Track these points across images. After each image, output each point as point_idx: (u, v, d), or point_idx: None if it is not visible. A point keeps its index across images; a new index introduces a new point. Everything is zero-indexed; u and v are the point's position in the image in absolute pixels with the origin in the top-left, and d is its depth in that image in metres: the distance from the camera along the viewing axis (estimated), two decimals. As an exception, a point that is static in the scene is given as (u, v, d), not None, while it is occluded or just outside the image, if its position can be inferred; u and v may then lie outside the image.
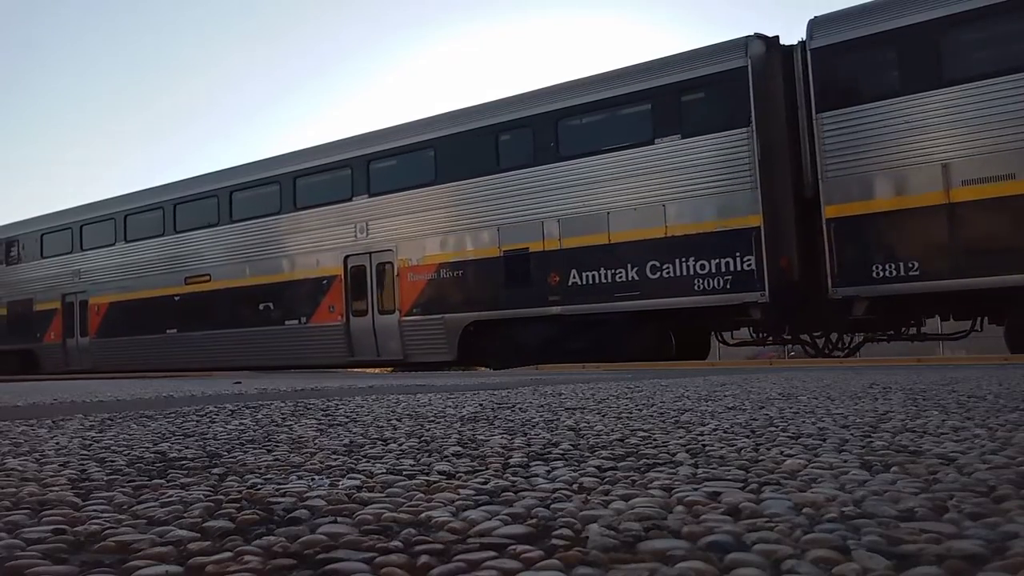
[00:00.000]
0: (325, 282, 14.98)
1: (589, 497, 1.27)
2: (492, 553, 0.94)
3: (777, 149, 10.86)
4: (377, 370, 14.62)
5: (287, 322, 15.52)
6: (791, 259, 10.80)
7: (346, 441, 2.21)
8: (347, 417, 3.04)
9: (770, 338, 12.02)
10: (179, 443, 2.27)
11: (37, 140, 67.59)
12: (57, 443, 2.33)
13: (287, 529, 1.10)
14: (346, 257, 14.74)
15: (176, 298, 17.45)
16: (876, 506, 1.13)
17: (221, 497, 1.36)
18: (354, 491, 1.39)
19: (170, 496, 1.38)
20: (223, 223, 16.77)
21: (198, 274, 17.09)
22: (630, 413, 2.87)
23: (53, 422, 3.09)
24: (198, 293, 17.10)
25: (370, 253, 14.50)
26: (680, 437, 2.08)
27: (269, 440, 2.30)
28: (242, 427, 2.73)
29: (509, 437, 2.19)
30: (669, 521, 1.08)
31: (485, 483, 1.44)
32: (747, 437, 2.03)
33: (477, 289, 13.16)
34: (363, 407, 3.56)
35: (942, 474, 1.39)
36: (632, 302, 11.65)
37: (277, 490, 1.41)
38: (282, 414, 3.25)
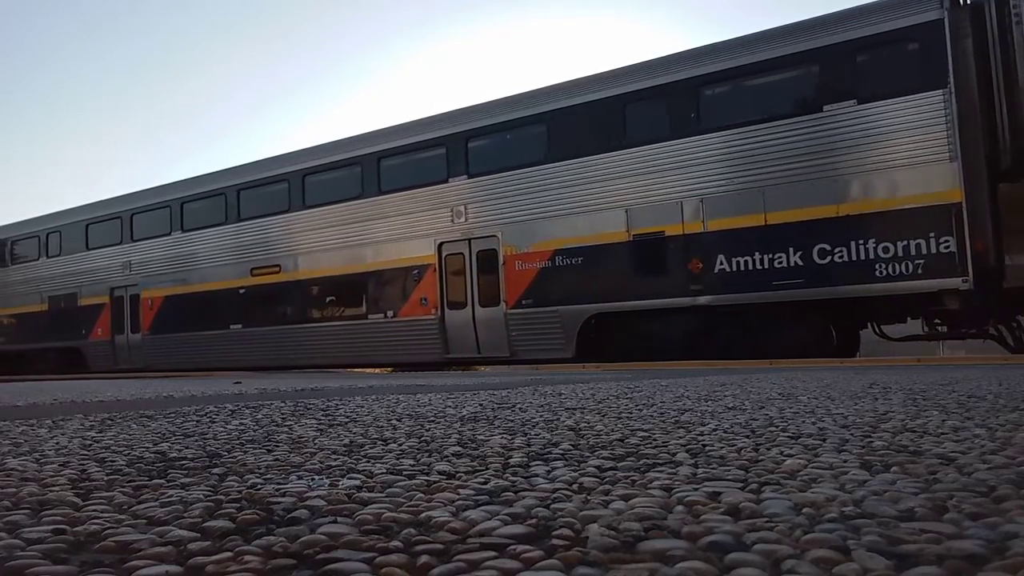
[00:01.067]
0: (416, 272, 13.65)
1: (589, 497, 1.27)
2: (492, 553, 0.94)
3: (970, 115, 9.64)
4: (377, 370, 14.35)
5: (371, 316, 14.19)
6: (987, 241, 9.52)
7: (346, 441, 2.21)
8: (347, 417, 3.04)
9: (970, 331, 10.56)
10: (179, 443, 2.27)
11: (36, 140, 67.61)
12: (57, 443, 2.33)
13: (287, 529, 1.10)
14: (440, 244, 13.41)
15: (241, 291, 16.10)
16: (876, 506, 1.13)
17: (221, 497, 1.36)
18: (354, 491, 1.39)
19: (170, 496, 1.38)
20: (295, 209, 15.37)
21: (266, 265, 15.72)
22: (630, 413, 2.87)
23: (53, 422, 3.09)
24: (266, 285, 15.73)
25: (469, 239, 13.15)
26: (680, 437, 2.08)
27: (269, 440, 2.30)
28: (242, 427, 2.73)
29: (509, 437, 2.19)
30: (669, 521, 1.08)
31: (485, 483, 1.44)
32: (747, 437, 2.03)
33: (600, 278, 11.82)
34: (363, 407, 3.56)
35: (942, 474, 1.39)
36: (795, 291, 10.32)
37: (277, 490, 1.41)
38: (282, 414, 3.25)
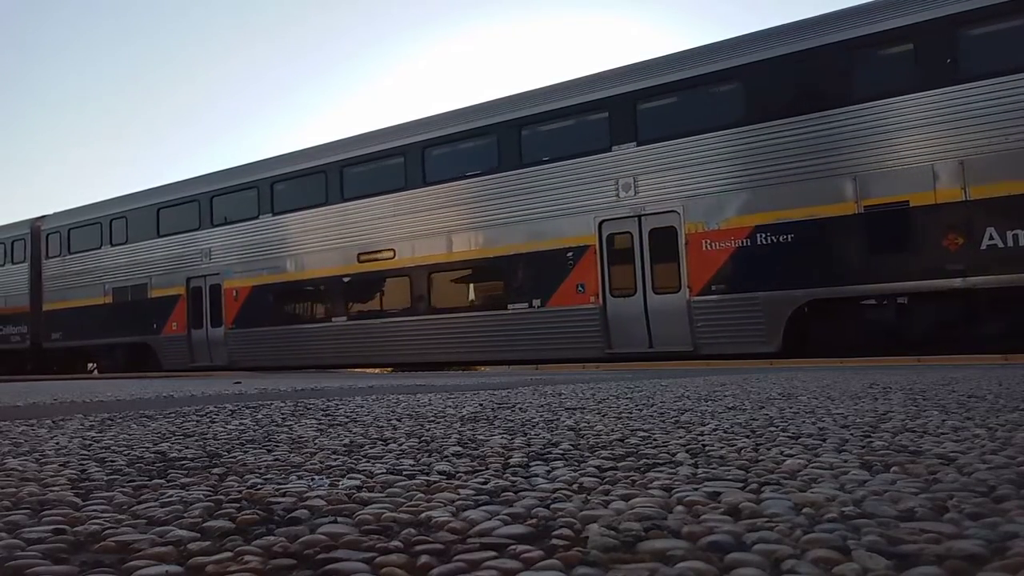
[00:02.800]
0: (570, 255, 11.76)
1: (589, 497, 1.27)
2: (492, 553, 0.94)
3: None
4: (378, 370, 13.92)
5: (511, 306, 12.33)
6: None
7: (346, 441, 2.21)
8: (347, 417, 3.04)
9: None
10: (179, 443, 2.27)
11: (37, 140, 67.60)
12: (57, 443, 2.33)
13: (287, 529, 1.10)
14: (601, 222, 11.52)
15: (345, 279, 14.19)
16: (876, 506, 1.13)
17: (221, 497, 1.36)
18: (354, 491, 1.39)
19: (170, 496, 1.38)
20: (413, 187, 13.47)
21: (377, 249, 13.77)
22: (630, 413, 2.87)
23: (53, 422, 3.09)
24: (377, 273, 13.85)
25: (639, 216, 11.26)
26: (680, 437, 2.08)
27: (269, 440, 2.30)
28: (242, 427, 2.73)
29: (509, 437, 2.19)
30: (669, 521, 1.08)
31: (485, 483, 1.44)
32: (747, 437, 2.03)
33: (817, 258, 9.97)
34: (363, 407, 3.56)
35: (942, 474, 1.39)
36: None
37: (277, 490, 1.41)
38: (282, 414, 3.25)
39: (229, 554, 0.97)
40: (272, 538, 1.04)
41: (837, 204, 9.89)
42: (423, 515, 1.16)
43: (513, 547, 0.97)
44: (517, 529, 1.06)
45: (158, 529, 1.11)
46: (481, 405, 3.49)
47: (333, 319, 14.41)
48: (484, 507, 1.21)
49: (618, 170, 11.51)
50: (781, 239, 10.23)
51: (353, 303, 14.30)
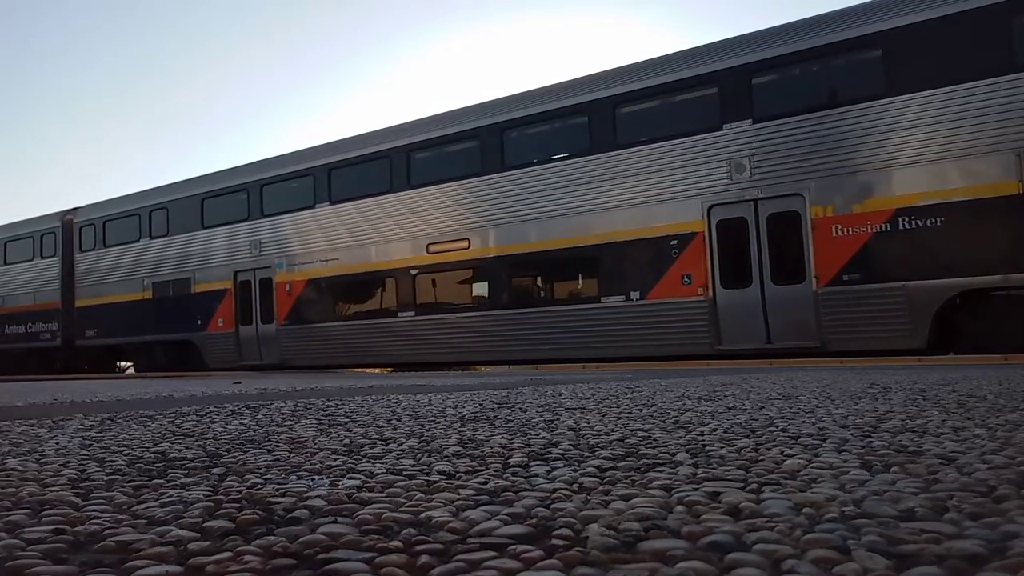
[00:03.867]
0: (674, 243, 10.84)
1: (589, 497, 1.27)
2: (492, 553, 0.94)
3: None
4: (378, 370, 13.72)
5: (606, 299, 11.41)
6: None
7: (346, 441, 2.21)
8: (347, 417, 3.04)
9: None
10: (179, 443, 2.27)
11: (36, 140, 67.63)
12: (57, 443, 2.33)
13: (287, 529, 1.10)
14: (710, 208, 10.60)
15: (413, 271, 13.24)
16: (876, 506, 1.13)
17: (221, 497, 1.36)
18: (354, 491, 1.39)
19: (170, 496, 1.38)
20: (491, 171, 12.53)
21: (449, 239, 12.84)
22: (630, 413, 2.87)
23: (53, 422, 3.09)
24: (449, 264, 12.92)
25: (755, 201, 10.33)
26: (680, 437, 2.08)
27: (269, 440, 2.30)
28: (242, 427, 2.73)
29: (509, 437, 2.19)
30: (669, 521, 1.08)
31: (485, 483, 1.44)
32: (747, 437, 2.03)
33: (974, 245, 8.91)
34: (363, 407, 3.56)
35: (942, 474, 1.39)
36: None
37: (277, 490, 1.41)
38: (282, 414, 3.25)
39: (229, 554, 0.97)
40: (272, 538, 1.04)
41: (999, 182, 8.85)
42: (423, 515, 1.16)
43: (513, 547, 0.97)
44: (517, 529, 1.06)
45: (158, 529, 1.11)
46: (481, 405, 3.49)
47: (399, 314, 13.42)
48: (484, 507, 1.21)
49: (730, 150, 10.52)
50: (930, 223, 9.21)
51: (422, 297, 13.33)
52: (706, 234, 10.65)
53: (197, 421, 3.02)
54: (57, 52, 62.38)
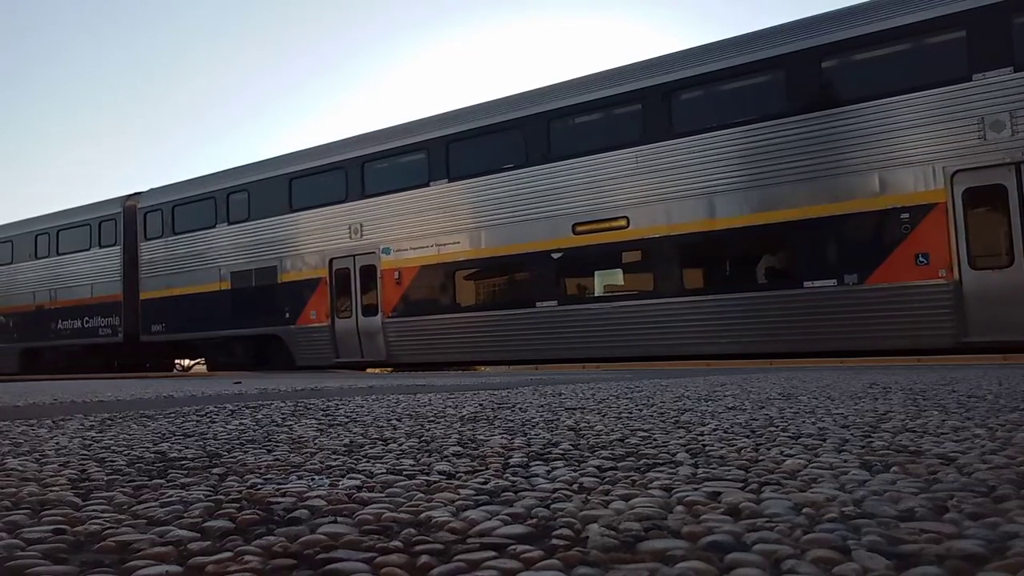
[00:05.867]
0: (905, 216, 9.14)
1: (589, 497, 1.27)
2: (492, 553, 0.94)
3: None
4: (379, 370, 13.40)
5: (810, 283, 9.76)
6: None
7: (346, 441, 2.21)
8: (347, 417, 3.04)
9: None
10: (179, 443, 2.27)
11: (37, 140, 67.61)
12: (57, 443, 2.33)
13: (287, 529, 1.10)
14: (953, 174, 8.94)
15: (555, 255, 11.61)
16: (876, 506, 1.13)
17: (221, 497, 1.36)
18: (354, 491, 1.39)
19: (170, 496, 1.38)
20: (655, 139, 10.84)
21: (602, 219, 11.21)
22: (630, 413, 2.87)
23: (53, 422, 3.09)
24: (602, 247, 11.28)
25: (1018, 164, 8.66)
26: (680, 437, 2.08)
27: (269, 440, 2.30)
28: (242, 427, 2.73)
29: (509, 437, 2.19)
30: (669, 521, 1.08)
31: (485, 483, 1.44)
32: (747, 437, 2.04)
33: None
34: (363, 407, 3.56)
35: (942, 474, 1.39)
36: None
37: (277, 490, 1.41)
38: (282, 414, 3.25)
39: (229, 554, 0.97)
40: (272, 538, 1.04)
41: None
42: (423, 515, 1.16)
43: (513, 547, 0.97)
44: (517, 529, 1.06)
45: (158, 529, 1.11)
46: (481, 405, 3.49)
47: (537, 304, 11.80)
48: (484, 507, 1.21)
49: (984, 104, 8.82)
50: None
51: (567, 284, 11.76)
52: (949, 205, 8.94)
53: (197, 421, 3.02)
54: (56, 52, 62.41)
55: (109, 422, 3.06)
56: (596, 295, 11.64)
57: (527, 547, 0.96)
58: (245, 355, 15.36)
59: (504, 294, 12.52)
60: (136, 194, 17.62)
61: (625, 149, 11.09)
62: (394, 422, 2.77)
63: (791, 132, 9.97)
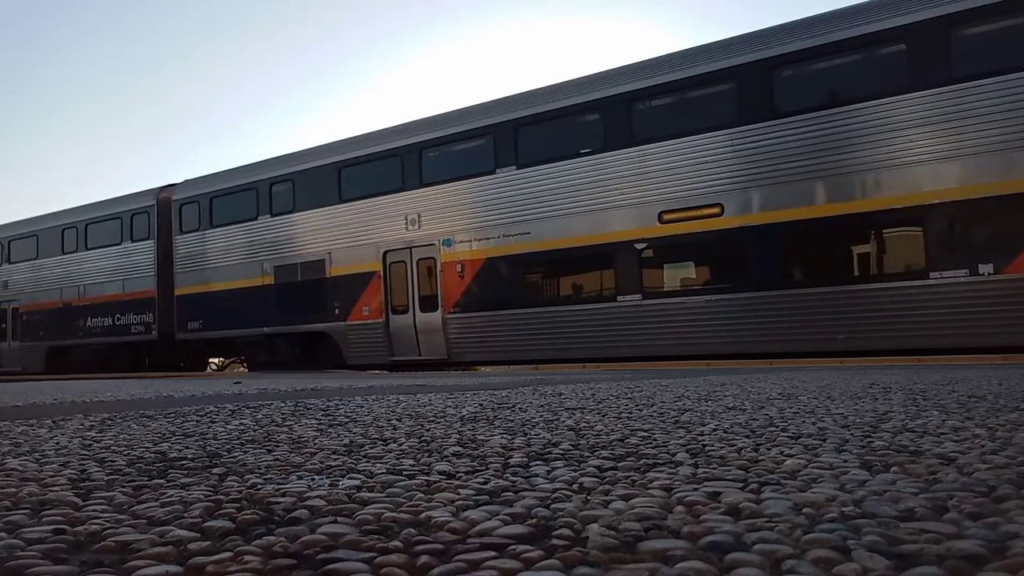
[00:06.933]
0: None
1: (589, 497, 1.27)
2: (492, 553, 0.94)
3: None
4: (377, 371, 13.33)
5: (936, 275, 8.83)
6: None
7: (346, 441, 2.21)
8: (347, 417, 3.04)
9: None
10: (179, 443, 2.27)
11: (37, 140, 67.63)
12: (57, 443, 2.33)
13: (287, 529, 1.10)
14: None
15: (639, 246, 10.85)
16: (876, 506, 1.13)
17: (221, 497, 1.36)
18: (354, 491, 1.39)
19: (170, 496, 1.38)
20: (754, 119, 10.03)
21: (694, 206, 10.43)
22: (630, 413, 2.87)
23: (53, 422, 3.09)
24: (692, 236, 10.49)
25: None
26: (680, 437, 2.08)
27: (269, 440, 2.30)
28: (242, 427, 2.73)
29: (509, 437, 2.19)
30: (669, 521, 1.08)
31: (485, 483, 1.44)
32: (747, 437, 2.03)
33: None
34: (363, 407, 3.56)
35: (942, 474, 1.39)
36: None
37: (277, 490, 1.41)
38: (282, 414, 3.25)
39: (229, 554, 0.97)
40: (272, 538, 1.04)
41: None
42: (423, 515, 1.16)
43: (513, 547, 0.97)
44: (517, 529, 1.06)
45: (158, 529, 1.11)
46: (481, 405, 3.49)
47: (619, 298, 11.01)
48: (484, 507, 1.21)
49: None
50: None
51: (651, 277, 10.94)
52: None
53: (197, 421, 3.02)
54: (54, 53, 62.41)
55: (109, 422, 3.06)
56: (686, 288, 10.85)
57: (527, 547, 0.96)
58: (289, 353, 14.62)
59: (579, 289, 11.79)
60: (170, 185, 16.95)
61: (722, 131, 10.32)
62: (394, 422, 2.77)
63: (914, 107, 9.07)
